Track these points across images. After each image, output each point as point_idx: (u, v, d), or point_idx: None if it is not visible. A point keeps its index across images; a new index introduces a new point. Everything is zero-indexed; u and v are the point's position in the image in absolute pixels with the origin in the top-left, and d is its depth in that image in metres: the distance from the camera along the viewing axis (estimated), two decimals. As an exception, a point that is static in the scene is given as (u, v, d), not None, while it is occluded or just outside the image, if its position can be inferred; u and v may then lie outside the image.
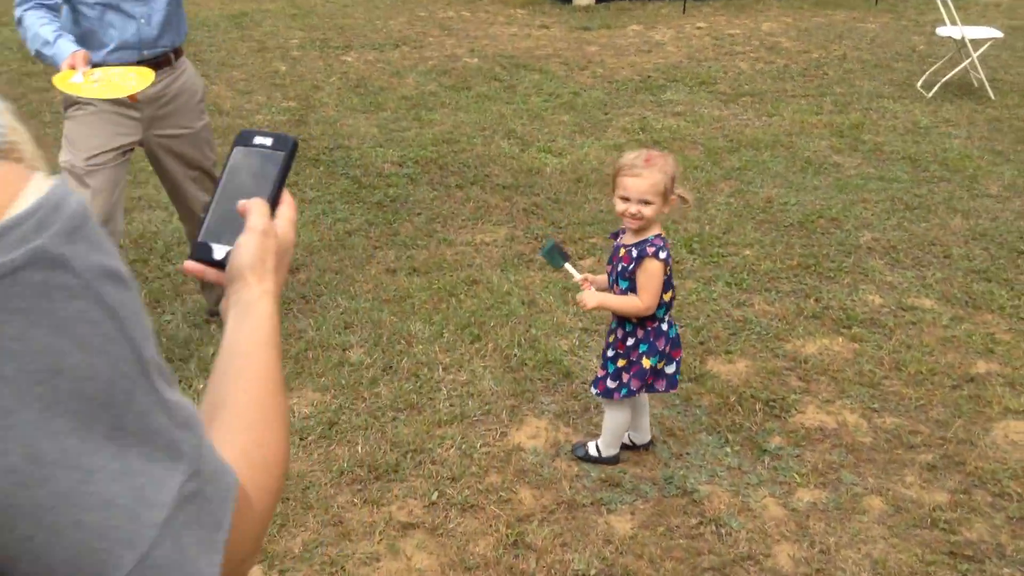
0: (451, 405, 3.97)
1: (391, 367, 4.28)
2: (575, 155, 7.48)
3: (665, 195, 2.96)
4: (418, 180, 6.98)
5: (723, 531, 3.19)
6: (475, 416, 3.89)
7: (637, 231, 3.06)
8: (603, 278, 3.27)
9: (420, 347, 4.44)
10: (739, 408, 3.90)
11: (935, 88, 9.04)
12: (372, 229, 6.01)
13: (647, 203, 2.94)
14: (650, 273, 3.01)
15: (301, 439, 3.72)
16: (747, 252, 5.55)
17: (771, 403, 3.95)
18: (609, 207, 6.48)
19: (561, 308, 4.84)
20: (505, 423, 3.84)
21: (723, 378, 4.14)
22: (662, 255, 3.01)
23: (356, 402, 3.99)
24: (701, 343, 4.46)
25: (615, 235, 3.25)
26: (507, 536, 3.15)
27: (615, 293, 3.15)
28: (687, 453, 3.63)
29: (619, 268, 3.10)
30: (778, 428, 3.77)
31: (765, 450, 3.63)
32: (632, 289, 3.07)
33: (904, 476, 3.47)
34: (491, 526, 3.21)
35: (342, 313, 4.82)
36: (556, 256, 3.16)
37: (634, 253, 3.04)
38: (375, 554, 3.07)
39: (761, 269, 5.29)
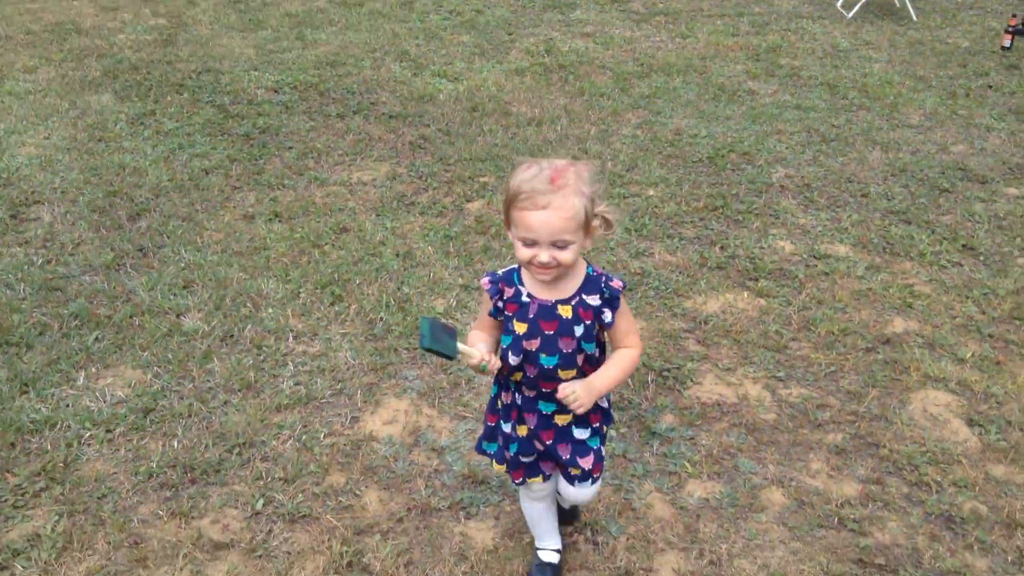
0: (296, 384, 3.38)
1: (231, 336, 3.66)
2: (472, 80, 6.81)
3: (587, 225, 2.03)
4: (294, 108, 6.25)
5: (600, 539, 2.71)
6: (324, 398, 3.32)
7: (555, 280, 2.13)
8: (481, 335, 2.26)
9: (269, 311, 3.83)
10: (629, 380, 3.41)
11: (856, 8, 8.54)
12: (234, 166, 5.30)
13: (564, 245, 2.02)
14: (627, 311, 2.24)
15: (108, 431, 3.10)
16: (651, 192, 5.02)
17: (665, 373, 3.46)
18: (505, 140, 5.91)
19: (441, 261, 4.26)
20: (359, 406, 3.28)
21: (613, 344, 3.63)
22: (620, 283, 2.20)
23: (182, 382, 3.38)
24: (592, 301, 3.94)
25: (502, 285, 2.20)
26: (341, 555, 2.62)
27: (570, 364, 2.18)
28: (566, 438, 3.13)
29: (578, 332, 2.15)
30: (671, 404, 3.29)
31: (655, 432, 3.15)
32: (601, 347, 2.26)
33: (809, 462, 3.03)
34: (324, 542, 2.67)
35: (183, 269, 4.15)
36: (443, 337, 2.09)
37: (596, 302, 2.15)
38: (175, 586, 2.51)
39: (664, 212, 4.76)
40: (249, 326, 3.71)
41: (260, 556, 2.62)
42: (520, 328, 2.17)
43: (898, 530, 2.74)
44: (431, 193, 5.01)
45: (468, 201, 4.91)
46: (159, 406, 3.24)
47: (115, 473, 2.93)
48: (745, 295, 4.00)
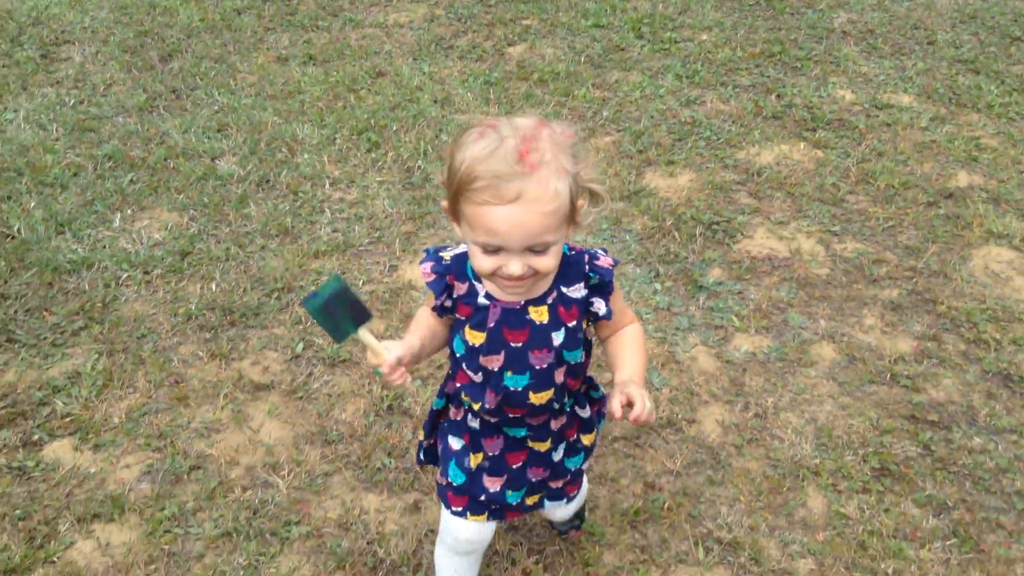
0: (334, 231, 3.30)
1: (267, 181, 3.57)
2: (515, -82, 6.41)
3: (573, 212, 1.46)
4: (328, -53, 5.95)
5: (643, 390, 2.65)
6: (361, 245, 3.24)
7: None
8: (420, 330, 1.66)
9: (305, 156, 3.72)
10: (676, 233, 3.28)
11: None
12: (266, 6, 5.09)
13: (544, 248, 1.43)
14: (619, 290, 1.67)
15: (145, 273, 3.07)
16: (704, 37, 4.74)
17: (714, 226, 3.33)
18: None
19: (481, 108, 4.08)
20: (397, 254, 3.20)
21: (661, 195, 3.49)
22: (610, 259, 1.63)
23: (219, 226, 3.31)
24: (640, 151, 3.77)
25: (451, 279, 1.61)
26: (381, 399, 2.59)
27: (545, 384, 1.63)
28: (610, 289, 3.04)
29: (557, 340, 1.59)
30: (719, 258, 3.17)
31: (701, 286, 3.04)
32: (587, 348, 1.70)
33: (863, 318, 2.92)
34: (364, 386, 2.65)
35: (217, 112, 4.03)
36: (339, 312, 1.45)
37: (581, 292, 1.60)
38: (215, 424, 2.51)
39: (718, 58, 4.51)
40: (285, 171, 3.61)
41: (301, 397, 2.60)
42: (475, 339, 1.59)
43: (953, 387, 2.65)
44: (470, 36, 4.78)
45: (509, 45, 4.69)
46: (196, 249, 3.19)
47: (154, 314, 2.90)
48: (801, 146, 3.80)
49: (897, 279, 3.08)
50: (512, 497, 1.79)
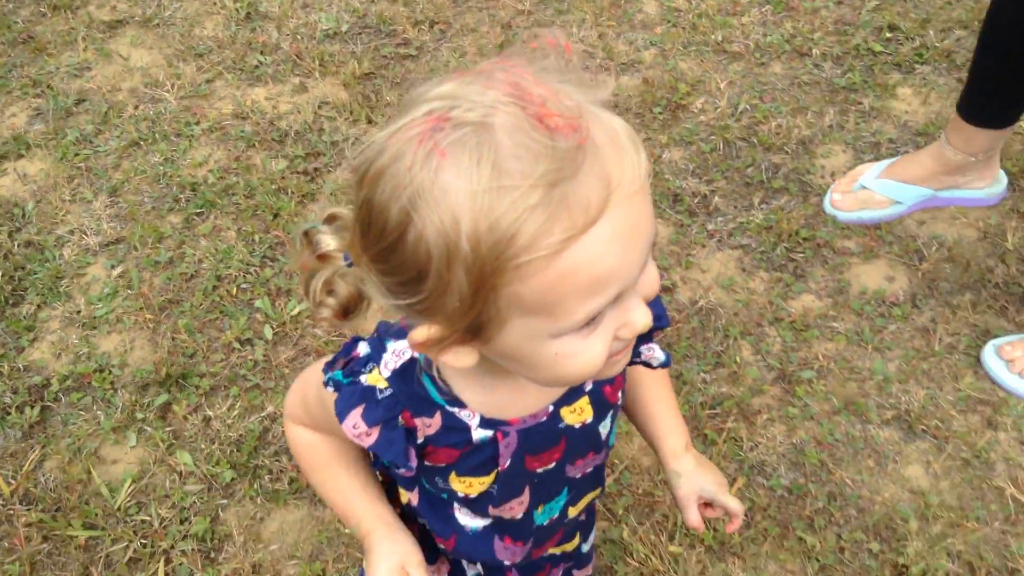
0: None
1: None
2: None
3: None
4: None
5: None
6: None
7: None
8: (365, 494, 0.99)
9: None
10: None
11: None
12: None
13: (647, 258, 0.72)
14: None
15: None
16: None
17: None
18: None
19: None
20: None
21: None
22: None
23: None
24: None
25: (406, 416, 0.83)
26: (236, 11, 2.67)
27: (592, 485, 1.04)
28: None
29: (605, 430, 0.98)
30: None
31: None
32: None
33: None
34: (216, 3, 2.71)
35: None
36: None
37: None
38: (84, 63, 2.55)
39: None
40: None
41: (158, 25, 2.65)
42: (472, 487, 0.92)
43: None
44: None
45: None
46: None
47: (-24, -14, 2.81)
48: None
49: None
50: None
